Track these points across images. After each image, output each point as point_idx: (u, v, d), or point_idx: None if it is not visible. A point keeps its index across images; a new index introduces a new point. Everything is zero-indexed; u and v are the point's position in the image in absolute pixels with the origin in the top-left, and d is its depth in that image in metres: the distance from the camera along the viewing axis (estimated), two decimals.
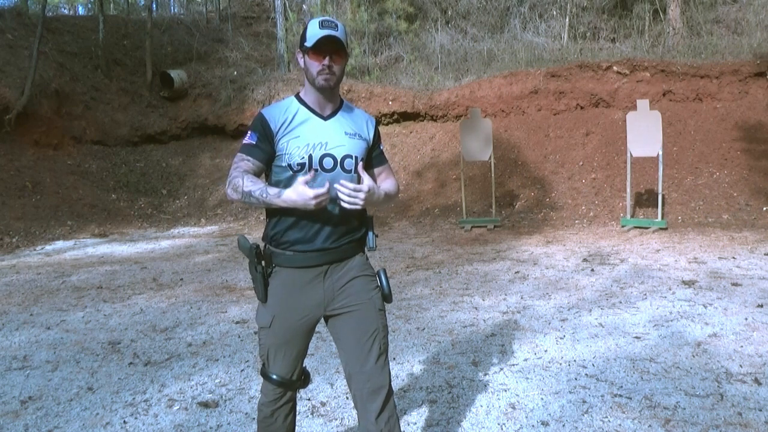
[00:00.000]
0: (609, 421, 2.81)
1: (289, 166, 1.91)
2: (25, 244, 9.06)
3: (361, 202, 1.84)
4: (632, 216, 8.87)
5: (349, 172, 1.95)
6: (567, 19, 14.27)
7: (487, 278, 5.91)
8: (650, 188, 9.41)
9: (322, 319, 2.03)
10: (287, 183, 1.90)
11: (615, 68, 11.48)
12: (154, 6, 19.32)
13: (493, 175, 9.52)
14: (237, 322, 4.68)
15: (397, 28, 15.31)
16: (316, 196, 1.76)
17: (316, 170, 1.90)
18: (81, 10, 23.48)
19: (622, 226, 8.54)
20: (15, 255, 8.36)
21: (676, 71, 11.04)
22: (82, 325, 4.75)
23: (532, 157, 11.19)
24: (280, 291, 1.98)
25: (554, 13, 14.84)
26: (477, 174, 11.01)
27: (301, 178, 1.80)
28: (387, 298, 2.03)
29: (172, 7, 22.53)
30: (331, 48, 1.87)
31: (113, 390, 3.40)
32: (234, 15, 18.91)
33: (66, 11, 22.72)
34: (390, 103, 13.00)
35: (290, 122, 1.93)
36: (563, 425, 2.79)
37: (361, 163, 1.99)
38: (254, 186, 1.86)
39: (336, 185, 1.85)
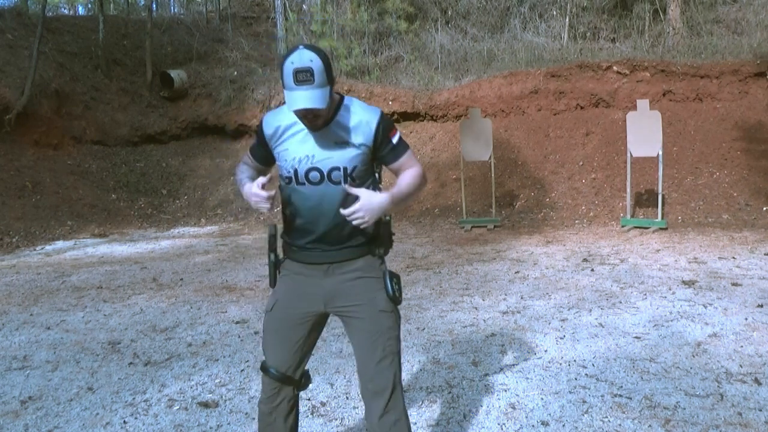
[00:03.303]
0: (609, 421, 2.81)
1: (281, 177, 1.99)
2: (25, 244, 9.06)
3: (367, 218, 1.84)
4: (632, 216, 8.87)
5: (338, 183, 1.92)
6: (567, 19, 14.26)
7: (487, 278, 5.91)
8: (650, 188, 9.41)
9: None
10: (284, 193, 2.01)
11: (615, 68, 11.48)
12: (154, 6, 19.31)
13: (493, 175, 9.52)
14: (237, 322, 4.68)
15: (397, 28, 15.29)
16: (255, 195, 1.91)
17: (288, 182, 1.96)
18: (81, 10, 23.46)
19: (622, 226, 8.54)
20: (15, 255, 8.36)
21: (676, 71, 11.04)
22: (82, 325, 4.75)
23: (532, 157, 11.19)
24: (286, 279, 2.05)
25: (554, 13, 14.83)
26: (477, 174, 11.00)
27: (261, 179, 1.93)
28: (393, 299, 2.00)
29: (172, 7, 22.51)
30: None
31: (113, 390, 3.40)
32: (234, 15, 18.89)
33: (66, 11, 22.70)
34: (390, 103, 12.99)
35: (282, 133, 1.96)
36: (563, 425, 2.79)
37: (349, 179, 1.92)
38: (241, 175, 2.11)
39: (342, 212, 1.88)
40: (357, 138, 1.92)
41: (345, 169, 1.92)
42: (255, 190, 1.90)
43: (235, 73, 14.76)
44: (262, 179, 1.92)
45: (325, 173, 1.91)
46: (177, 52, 16.02)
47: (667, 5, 13.11)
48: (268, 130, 1.98)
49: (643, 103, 8.53)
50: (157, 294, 5.75)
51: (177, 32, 16.84)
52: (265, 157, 2.06)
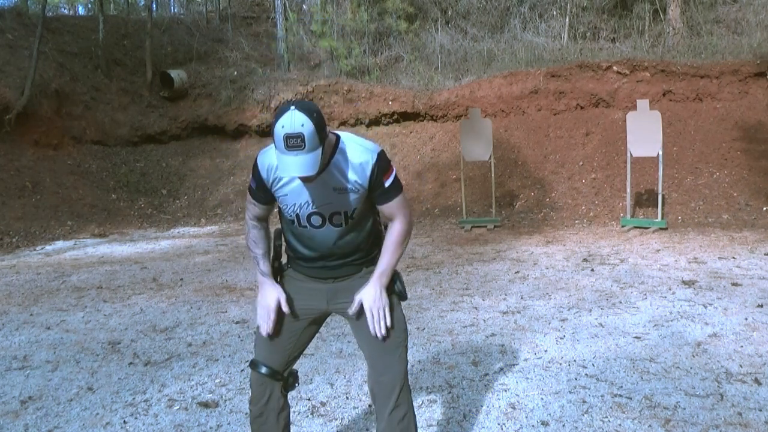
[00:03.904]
0: (609, 421, 2.81)
1: (285, 218, 2.02)
2: (25, 244, 9.06)
3: (381, 312, 1.96)
4: (632, 216, 8.87)
5: (339, 226, 1.95)
6: (567, 19, 14.26)
7: (487, 278, 5.91)
8: (650, 188, 9.41)
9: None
10: (289, 225, 2.04)
11: (615, 68, 11.48)
12: (154, 6, 19.30)
13: (493, 175, 9.52)
14: (237, 322, 4.68)
15: (397, 28, 15.29)
16: (267, 318, 2.01)
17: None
18: (81, 10, 23.45)
19: (622, 226, 8.54)
20: (15, 255, 8.36)
21: (676, 71, 11.04)
22: (82, 325, 4.75)
23: (532, 157, 11.19)
24: (289, 280, 2.10)
25: (554, 13, 14.83)
26: (477, 174, 11.00)
27: (284, 300, 2.01)
28: (398, 295, 2.04)
29: (172, 7, 22.50)
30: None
31: (113, 390, 3.40)
32: (234, 15, 18.89)
33: (66, 11, 22.69)
34: (390, 103, 12.99)
35: (280, 179, 1.93)
36: (563, 425, 2.79)
37: (350, 221, 1.96)
38: (255, 249, 2.09)
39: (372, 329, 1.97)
40: (353, 183, 1.90)
41: (345, 213, 1.94)
42: (271, 308, 2.01)
43: (235, 73, 14.76)
44: (284, 301, 2.00)
45: (327, 217, 1.95)
46: (177, 52, 16.02)
47: (667, 5, 13.11)
48: (264, 173, 1.95)
49: (643, 103, 8.53)
50: (157, 294, 5.75)
51: (177, 32, 16.84)
52: (268, 198, 2.04)
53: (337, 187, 1.89)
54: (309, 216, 1.94)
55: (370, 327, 1.95)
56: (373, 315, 1.94)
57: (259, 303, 2.03)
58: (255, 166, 1.97)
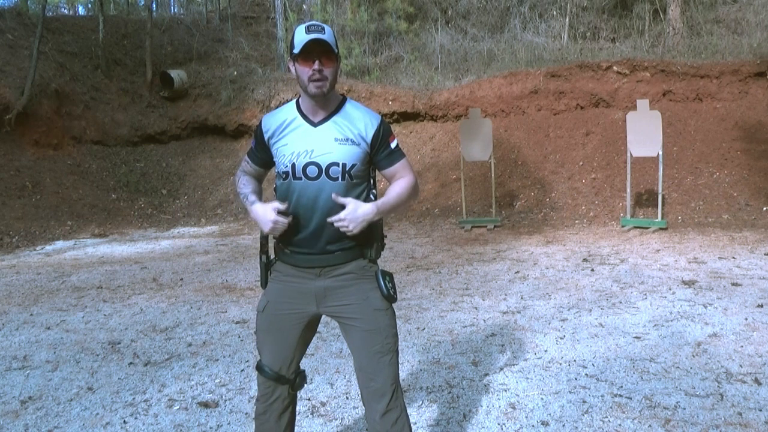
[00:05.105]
0: (609, 421, 2.81)
1: (279, 173, 2.00)
2: (25, 244, 9.06)
3: (351, 226, 1.87)
4: (632, 216, 8.87)
5: (336, 179, 1.92)
6: (567, 19, 14.27)
7: (487, 278, 5.91)
8: (650, 188, 9.41)
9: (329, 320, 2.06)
10: (280, 190, 2.01)
11: (615, 68, 11.48)
12: (154, 6, 19.32)
13: (493, 175, 9.52)
14: (237, 322, 4.68)
15: (397, 28, 15.31)
16: (274, 221, 1.88)
17: (290, 214, 1.93)
18: (81, 10, 23.46)
19: (622, 226, 8.54)
20: (15, 255, 8.36)
21: (676, 71, 11.04)
22: (82, 325, 4.75)
23: (532, 157, 11.19)
24: (278, 280, 2.06)
25: (554, 13, 14.84)
26: (477, 174, 11.01)
27: (277, 204, 1.90)
28: (388, 298, 1.99)
29: (172, 7, 22.52)
30: (318, 51, 1.85)
31: (113, 390, 3.40)
32: (234, 15, 18.90)
33: (66, 11, 22.71)
34: (390, 103, 13.00)
35: (283, 130, 1.97)
36: (563, 425, 2.79)
37: (347, 177, 1.92)
38: (244, 189, 2.09)
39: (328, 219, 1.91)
40: (357, 136, 1.94)
41: (344, 165, 1.92)
42: (271, 216, 1.88)
43: (235, 73, 14.76)
44: (278, 204, 1.90)
45: (324, 168, 1.92)
46: (177, 52, 16.03)
47: (667, 5, 13.11)
48: (267, 130, 2.00)
49: (643, 103, 8.53)
50: (157, 294, 5.75)
51: (177, 32, 16.85)
52: (264, 159, 2.07)
53: (339, 137, 1.93)
54: (305, 166, 1.92)
55: (334, 217, 1.87)
56: (342, 213, 1.86)
57: (260, 219, 1.92)
58: (258, 125, 2.04)
